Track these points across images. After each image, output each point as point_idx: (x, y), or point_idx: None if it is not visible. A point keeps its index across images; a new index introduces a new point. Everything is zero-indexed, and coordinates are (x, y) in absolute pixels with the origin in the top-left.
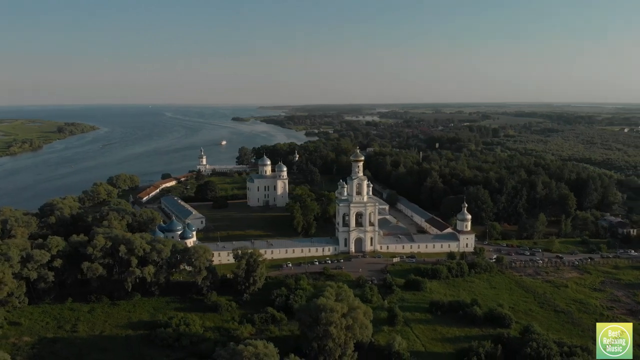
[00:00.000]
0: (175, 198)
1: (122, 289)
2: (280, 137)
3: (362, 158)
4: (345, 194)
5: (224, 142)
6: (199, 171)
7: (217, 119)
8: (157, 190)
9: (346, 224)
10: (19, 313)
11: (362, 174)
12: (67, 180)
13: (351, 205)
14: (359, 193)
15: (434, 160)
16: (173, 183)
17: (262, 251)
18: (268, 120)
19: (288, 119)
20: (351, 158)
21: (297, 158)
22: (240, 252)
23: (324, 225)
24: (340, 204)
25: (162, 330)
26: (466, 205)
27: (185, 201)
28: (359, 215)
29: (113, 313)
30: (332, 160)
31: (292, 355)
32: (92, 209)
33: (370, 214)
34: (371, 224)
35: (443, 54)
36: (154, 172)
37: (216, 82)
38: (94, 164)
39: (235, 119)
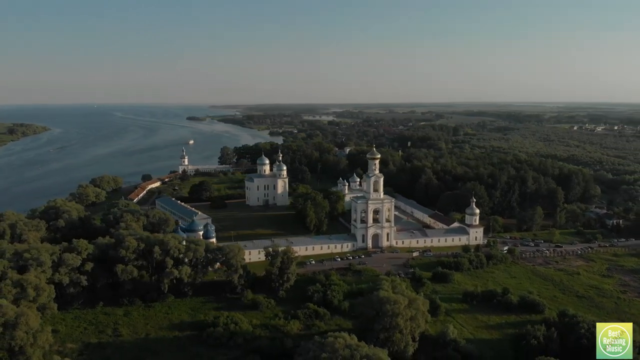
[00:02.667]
0: (173, 199)
1: (156, 291)
2: (245, 137)
3: (379, 156)
4: (347, 191)
5: (191, 142)
6: (183, 171)
7: (172, 118)
8: (145, 191)
9: (363, 220)
10: (51, 319)
11: (378, 172)
12: (41, 183)
13: (369, 202)
14: (376, 190)
15: (424, 158)
16: (158, 184)
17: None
18: (226, 120)
19: (247, 119)
20: (367, 156)
21: (281, 157)
22: (272, 250)
23: (330, 223)
24: (358, 202)
25: (212, 329)
26: (474, 200)
27: (180, 202)
28: (375, 212)
29: (151, 315)
30: (316, 160)
31: (373, 345)
32: (87, 209)
33: (387, 210)
34: (387, 220)
35: (389, 54)
36: (129, 174)
37: (164, 81)
38: (62, 166)
39: (190, 119)
